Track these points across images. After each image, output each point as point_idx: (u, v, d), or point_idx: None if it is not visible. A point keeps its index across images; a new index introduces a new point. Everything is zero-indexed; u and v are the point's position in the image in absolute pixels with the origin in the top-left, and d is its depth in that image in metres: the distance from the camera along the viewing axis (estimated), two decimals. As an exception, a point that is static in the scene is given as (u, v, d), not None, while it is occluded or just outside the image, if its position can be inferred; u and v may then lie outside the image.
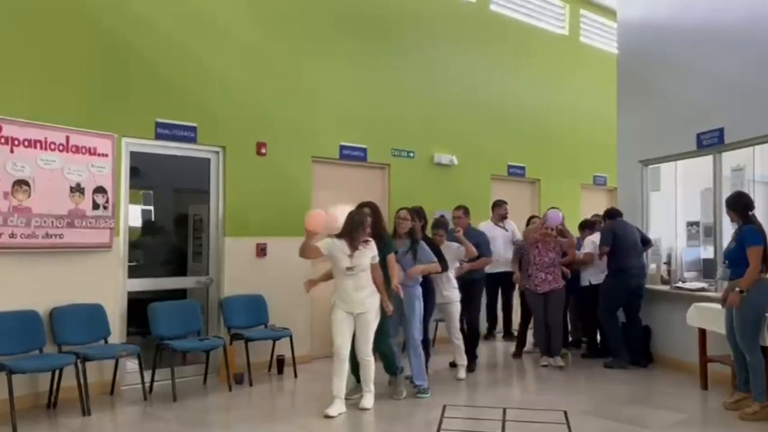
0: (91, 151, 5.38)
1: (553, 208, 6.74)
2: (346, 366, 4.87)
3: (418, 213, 5.81)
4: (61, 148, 5.19)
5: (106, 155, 5.46)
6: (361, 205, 5.23)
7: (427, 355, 5.83)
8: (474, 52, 8.66)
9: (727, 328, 4.98)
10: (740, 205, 4.92)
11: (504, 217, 7.96)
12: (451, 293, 5.98)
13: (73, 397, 4.82)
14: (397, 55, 7.87)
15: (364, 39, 7.58)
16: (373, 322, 4.90)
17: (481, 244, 6.41)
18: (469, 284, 6.32)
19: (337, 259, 4.79)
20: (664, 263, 7.05)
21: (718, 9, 6.34)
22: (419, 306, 5.48)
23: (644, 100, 7.25)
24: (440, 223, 6.19)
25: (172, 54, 6.05)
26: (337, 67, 7.26)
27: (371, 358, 4.97)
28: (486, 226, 7.80)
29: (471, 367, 6.31)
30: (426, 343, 5.76)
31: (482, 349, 7.81)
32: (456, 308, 6.01)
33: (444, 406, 5.02)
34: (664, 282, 6.84)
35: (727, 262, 5.07)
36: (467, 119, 8.49)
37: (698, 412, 5.24)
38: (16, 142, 4.94)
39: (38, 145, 5.06)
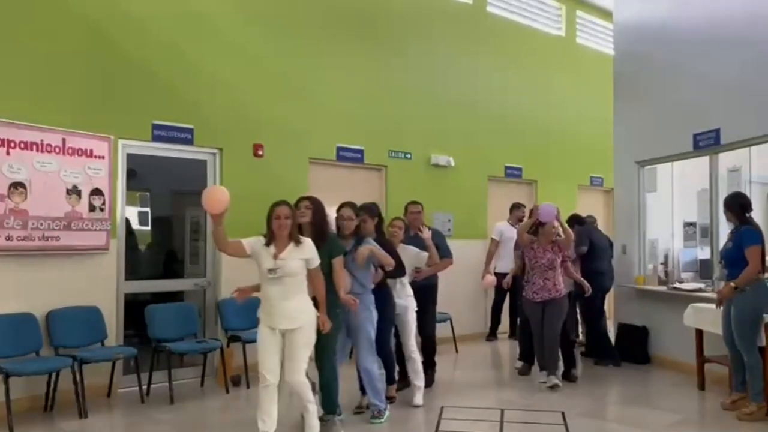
0: (88, 153, 5.37)
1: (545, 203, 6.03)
2: (275, 398, 3.94)
3: (370, 210, 4.88)
4: (57, 150, 5.18)
5: (103, 157, 5.45)
6: (300, 200, 4.37)
7: (390, 378, 5.16)
8: (471, 53, 8.66)
9: (724, 329, 4.99)
10: (737, 206, 4.93)
11: (521, 220, 7.97)
12: (405, 301, 5.18)
13: (70, 399, 4.81)
14: (394, 56, 7.88)
15: (361, 40, 7.58)
16: (303, 343, 3.89)
17: (442, 245, 5.70)
18: (422, 290, 5.55)
19: (259, 259, 3.87)
20: (661, 264, 7.06)
21: (714, 10, 6.36)
22: (372, 318, 4.62)
23: (640, 101, 7.26)
24: (397, 219, 5.47)
25: (169, 56, 6.04)
26: (334, 68, 7.26)
27: (305, 380, 3.98)
28: (503, 226, 7.91)
29: (428, 382, 5.60)
30: (389, 362, 5.11)
31: (483, 349, 7.85)
32: (411, 318, 5.22)
33: (442, 408, 5.02)
34: (661, 283, 6.85)
35: (723, 262, 5.09)
36: (464, 120, 8.49)
37: (695, 412, 5.25)
38: (12, 144, 4.93)
39: (34, 147, 5.04)
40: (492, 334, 8.36)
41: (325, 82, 7.17)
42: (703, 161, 6.42)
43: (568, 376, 6.00)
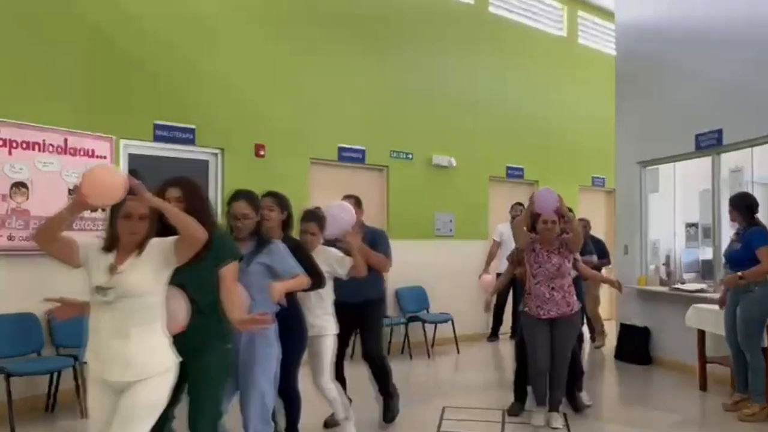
0: (90, 153, 5.38)
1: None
2: None
3: (279, 201, 3.67)
4: (59, 150, 5.18)
5: (105, 157, 5.46)
6: (166, 185, 2.84)
7: (294, 427, 3.79)
8: (472, 53, 8.66)
9: (728, 329, 4.98)
10: (744, 206, 4.90)
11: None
12: (322, 322, 3.92)
13: (72, 399, 4.81)
14: (395, 56, 7.88)
15: (362, 41, 7.58)
16: (145, 408, 2.44)
17: (379, 243, 4.52)
18: (363, 305, 4.42)
19: (90, 271, 2.51)
20: (663, 264, 7.05)
21: (716, 10, 6.35)
22: (272, 360, 3.23)
23: (642, 101, 7.26)
24: (313, 216, 4.03)
25: (170, 56, 6.05)
26: (335, 68, 7.26)
27: None
28: (504, 227, 7.90)
29: (388, 416, 4.61)
30: (294, 406, 3.78)
31: (485, 349, 7.83)
32: (328, 345, 3.95)
33: (443, 408, 5.01)
34: (662, 283, 6.85)
35: (728, 264, 5.06)
36: (466, 121, 8.49)
37: (697, 413, 5.24)
38: (14, 144, 4.93)
39: (36, 147, 5.05)
40: (494, 335, 8.35)
41: (326, 83, 7.17)
42: (705, 162, 6.41)
43: (574, 405, 4.94)
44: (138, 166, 5.94)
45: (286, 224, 3.70)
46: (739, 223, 4.95)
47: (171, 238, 2.49)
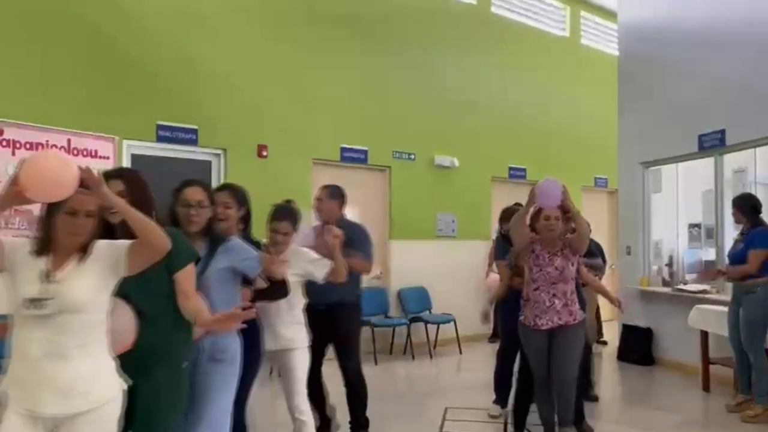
0: (93, 154, 5.38)
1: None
2: None
3: (237, 195, 3.19)
4: (62, 150, 5.18)
5: (108, 158, 5.46)
6: (105, 177, 2.17)
7: None
8: (475, 53, 8.66)
9: (731, 330, 4.98)
10: (748, 207, 4.91)
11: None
12: (293, 333, 3.39)
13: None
14: (398, 56, 7.88)
15: (365, 41, 7.58)
16: None
17: (358, 240, 3.99)
18: (336, 309, 3.91)
19: (16, 279, 2.05)
20: (666, 265, 7.05)
21: (719, 10, 6.34)
22: (235, 376, 2.76)
23: (645, 101, 7.25)
24: (285, 213, 3.48)
25: (173, 57, 6.06)
26: (338, 69, 7.27)
27: None
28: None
29: None
30: None
31: (487, 349, 7.81)
32: (300, 359, 3.40)
33: (446, 409, 5.01)
34: (665, 284, 6.84)
35: (731, 264, 5.06)
36: (468, 121, 8.49)
37: (700, 414, 5.23)
38: (18, 145, 4.94)
39: (39, 147, 5.05)
40: (495, 335, 8.34)
41: (329, 83, 7.17)
42: (708, 162, 6.40)
43: (580, 429, 4.30)
44: (141, 166, 5.95)
45: (246, 221, 3.20)
46: (744, 224, 4.95)
47: (123, 242, 2.08)
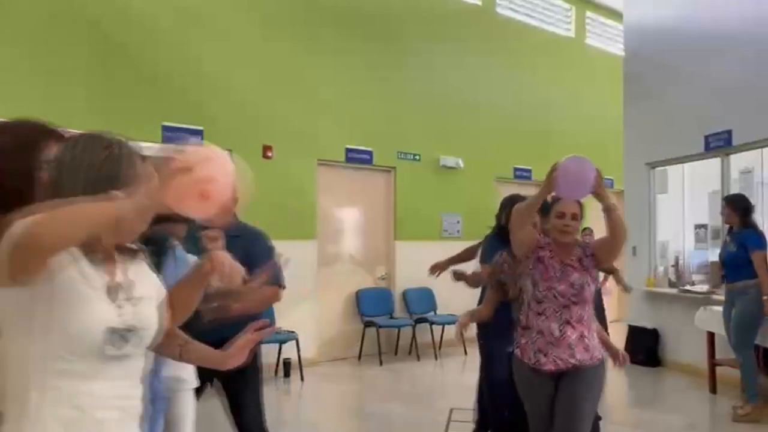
0: (98, 155, 5.40)
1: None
2: None
3: None
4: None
5: (113, 159, 5.47)
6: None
7: None
8: (480, 54, 8.64)
9: (728, 331, 5.02)
10: (742, 207, 4.94)
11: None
12: (181, 372, 2.56)
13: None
14: (402, 57, 7.87)
15: (370, 41, 7.58)
16: None
17: (257, 254, 2.74)
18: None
19: (71, 298, 1.26)
20: (672, 266, 7.02)
21: (725, 10, 6.31)
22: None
23: (651, 101, 7.22)
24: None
25: (179, 57, 6.07)
26: (343, 69, 7.27)
27: None
28: None
29: None
30: None
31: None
32: (188, 403, 2.66)
33: (451, 410, 5.00)
34: (671, 285, 6.81)
35: (723, 266, 5.08)
36: (473, 122, 8.47)
37: (707, 416, 5.21)
38: (23, 146, 4.95)
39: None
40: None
41: (333, 84, 7.17)
42: (715, 163, 6.37)
43: None
44: (146, 167, 5.97)
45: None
46: (735, 224, 4.97)
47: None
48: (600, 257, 2.86)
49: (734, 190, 6.11)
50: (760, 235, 4.85)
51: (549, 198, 2.83)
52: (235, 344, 1.64)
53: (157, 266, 1.78)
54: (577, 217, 2.83)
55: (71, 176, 1.36)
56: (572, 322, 2.80)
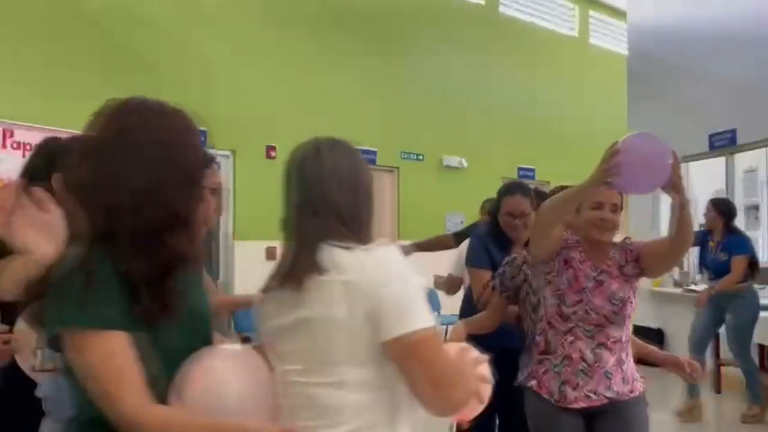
0: (102, 156, 5.41)
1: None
2: None
3: None
4: (72, 152, 5.22)
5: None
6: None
7: None
8: (483, 54, 8.64)
9: (696, 333, 5.03)
10: (728, 213, 4.96)
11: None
12: None
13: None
14: (406, 57, 7.87)
15: (373, 41, 7.58)
16: None
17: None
18: None
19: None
20: (676, 265, 7.00)
21: (729, 9, 6.29)
22: None
23: (655, 101, 7.20)
24: None
25: (181, 57, 6.08)
26: (346, 69, 7.27)
27: None
28: None
29: None
30: None
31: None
32: None
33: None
34: (676, 284, 6.79)
35: (710, 271, 5.07)
36: (477, 122, 8.47)
37: (712, 416, 5.19)
38: (27, 147, 4.97)
39: (49, 149, 5.08)
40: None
41: (338, 84, 7.17)
42: (719, 162, 6.36)
43: None
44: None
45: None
46: (717, 229, 4.93)
47: None
48: (649, 265, 2.20)
49: (738, 189, 6.10)
50: (747, 239, 4.90)
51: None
52: None
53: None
54: (618, 208, 2.19)
55: None
56: (608, 344, 2.18)
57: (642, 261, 2.22)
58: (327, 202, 1.34)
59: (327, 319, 1.20)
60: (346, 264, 1.22)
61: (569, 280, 2.17)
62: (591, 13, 10.16)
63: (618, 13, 9.74)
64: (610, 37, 10.35)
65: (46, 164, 1.86)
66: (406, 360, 1.20)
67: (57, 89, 5.29)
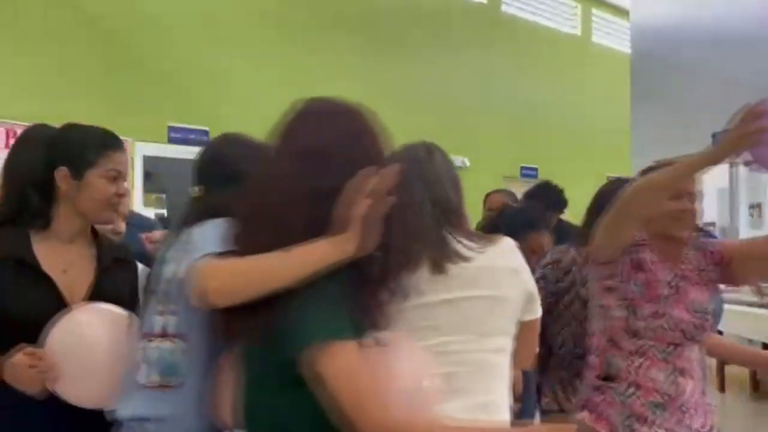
0: (105, 156, 5.41)
1: None
2: None
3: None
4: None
5: (119, 159, 5.49)
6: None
7: None
8: (485, 52, 8.62)
9: None
10: None
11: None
12: None
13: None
14: (407, 56, 7.86)
15: (375, 41, 7.58)
16: None
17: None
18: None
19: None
20: (680, 264, 6.99)
21: (733, 8, 6.28)
22: None
23: (658, 100, 7.19)
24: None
25: (185, 58, 6.08)
26: (347, 69, 7.26)
27: None
28: None
29: None
30: None
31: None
32: None
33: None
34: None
35: None
36: (479, 121, 8.45)
37: (716, 414, 5.18)
38: (30, 148, 4.97)
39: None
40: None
41: (339, 85, 7.13)
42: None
43: None
44: (152, 168, 5.98)
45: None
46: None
47: None
48: (743, 270, 1.81)
49: (742, 188, 6.09)
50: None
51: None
52: None
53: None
54: (695, 197, 1.83)
55: None
56: (687, 369, 1.76)
57: (735, 265, 1.79)
58: (445, 198, 1.62)
59: (497, 298, 1.44)
60: (492, 253, 1.50)
61: (641, 287, 1.74)
62: (594, 11, 10.14)
63: (621, 12, 9.72)
64: (613, 36, 10.33)
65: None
66: (521, 335, 1.49)
67: (59, 90, 5.29)
